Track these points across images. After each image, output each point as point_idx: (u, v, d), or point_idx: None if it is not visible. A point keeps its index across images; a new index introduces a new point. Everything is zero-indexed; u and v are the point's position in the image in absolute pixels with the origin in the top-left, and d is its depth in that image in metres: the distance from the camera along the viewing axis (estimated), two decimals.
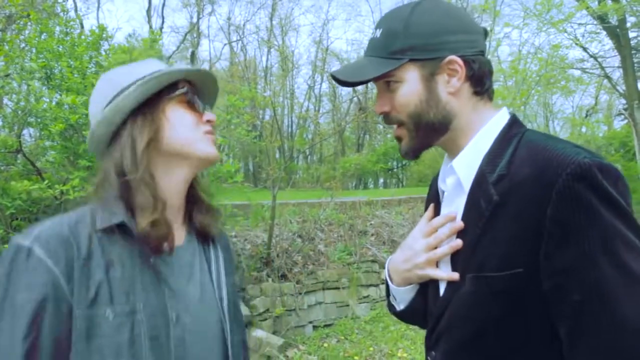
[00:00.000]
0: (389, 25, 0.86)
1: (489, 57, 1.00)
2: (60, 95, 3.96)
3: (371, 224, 7.84)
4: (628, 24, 12.23)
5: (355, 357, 4.82)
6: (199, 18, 25.34)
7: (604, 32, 12.09)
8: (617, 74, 14.01)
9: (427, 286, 0.95)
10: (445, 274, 0.87)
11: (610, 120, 23.05)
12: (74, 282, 0.74)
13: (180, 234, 0.91)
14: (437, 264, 0.91)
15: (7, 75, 4.36)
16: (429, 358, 0.92)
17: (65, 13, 6.54)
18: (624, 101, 14.56)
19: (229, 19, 26.33)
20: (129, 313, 0.77)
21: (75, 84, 3.96)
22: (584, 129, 18.09)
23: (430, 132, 0.87)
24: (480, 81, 0.86)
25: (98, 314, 0.75)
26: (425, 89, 0.84)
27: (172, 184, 0.89)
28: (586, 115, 21.97)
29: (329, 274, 6.14)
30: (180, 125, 0.88)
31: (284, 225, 6.78)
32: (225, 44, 28.37)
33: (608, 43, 12.64)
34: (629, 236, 0.69)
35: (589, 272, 0.68)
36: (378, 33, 0.87)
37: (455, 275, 0.85)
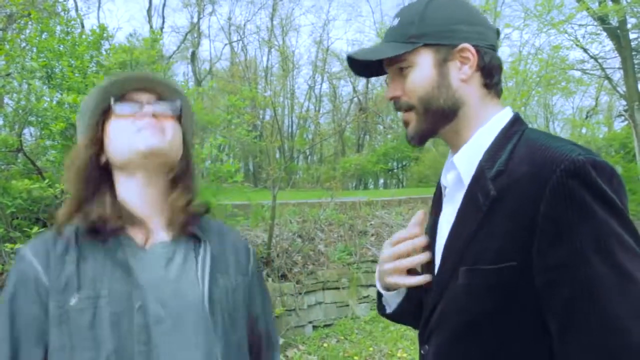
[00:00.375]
0: (406, 15, 0.90)
1: None
2: (61, 94, 3.96)
3: (371, 224, 7.83)
4: (629, 25, 12.23)
5: (355, 357, 4.82)
6: (199, 18, 25.38)
7: (605, 33, 12.09)
8: (617, 75, 14.02)
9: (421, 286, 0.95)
10: (414, 279, 0.92)
11: (611, 121, 23.01)
12: (50, 273, 0.86)
13: (162, 233, 0.96)
14: (425, 265, 0.94)
15: (8, 75, 4.36)
16: (422, 352, 0.92)
17: (66, 12, 6.51)
18: (624, 102, 14.59)
19: (229, 19, 26.37)
20: (93, 298, 0.84)
21: (76, 83, 3.97)
22: (584, 130, 18.05)
23: (438, 117, 0.89)
24: (490, 74, 0.89)
25: (66, 300, 0.84)
26: (437, 74, 0.87)
27: (132, 191, 0.97)
28: (586, 117, 21.92)
29: (329, 274, 6.14)
30: (115, 136, 0.95)
31: (284, 225, 6.77)
32: (225, 44, 28.32)
33: (608, 44, 12.65)
34: (624, 236, 0.69)
35: (581, 269, 0.69)
36: (396, 22, 0.91)
37: (427, 278, 0.90)
